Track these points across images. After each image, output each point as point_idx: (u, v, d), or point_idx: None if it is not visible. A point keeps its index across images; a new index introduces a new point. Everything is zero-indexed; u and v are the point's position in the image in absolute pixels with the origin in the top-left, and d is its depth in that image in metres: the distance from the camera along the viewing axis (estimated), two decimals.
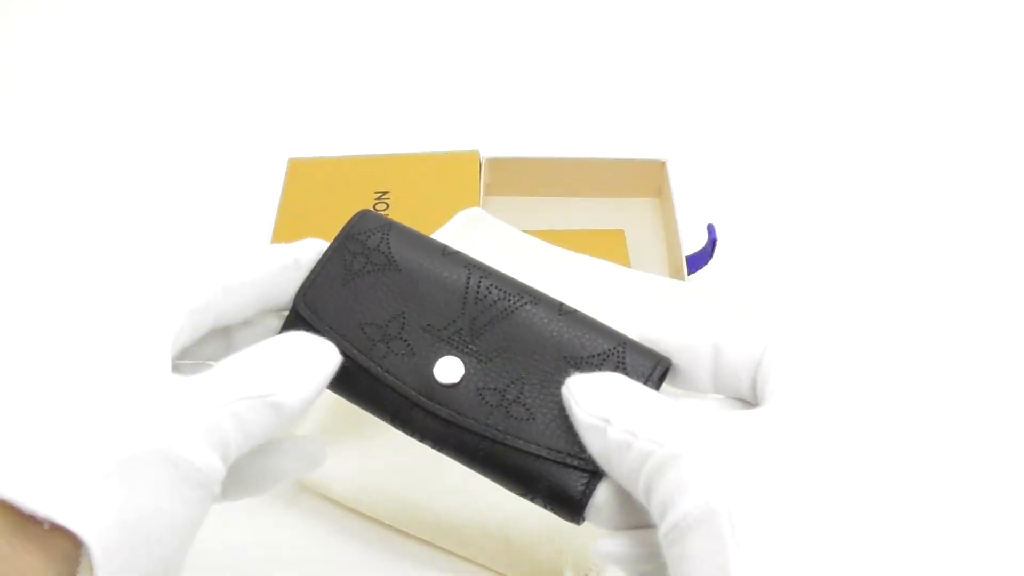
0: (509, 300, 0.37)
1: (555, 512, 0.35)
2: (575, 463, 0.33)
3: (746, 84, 0.79)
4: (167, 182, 0.69)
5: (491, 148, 0.64)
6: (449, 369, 0.35)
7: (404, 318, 0.36)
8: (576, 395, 0.32)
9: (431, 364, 0.35)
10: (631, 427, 0.30)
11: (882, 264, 0.63)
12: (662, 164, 0.62)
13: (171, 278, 0.33)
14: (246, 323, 0.37)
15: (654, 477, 0.29)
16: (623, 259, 0.59)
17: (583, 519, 0.34)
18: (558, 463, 0.34)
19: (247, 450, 0.31)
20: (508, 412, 0.35)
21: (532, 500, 0.35)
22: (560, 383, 0.34)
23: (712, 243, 0.56)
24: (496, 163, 0.63)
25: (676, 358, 0.35)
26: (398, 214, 0.60)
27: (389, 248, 0.38)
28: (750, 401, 0.34)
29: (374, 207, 0.60)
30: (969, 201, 0.68)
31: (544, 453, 0.34)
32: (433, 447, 0.36)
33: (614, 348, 0.35)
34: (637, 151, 0.64)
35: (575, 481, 0.34)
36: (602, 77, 0.79)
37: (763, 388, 0.32)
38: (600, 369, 0.34)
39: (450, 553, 0.45)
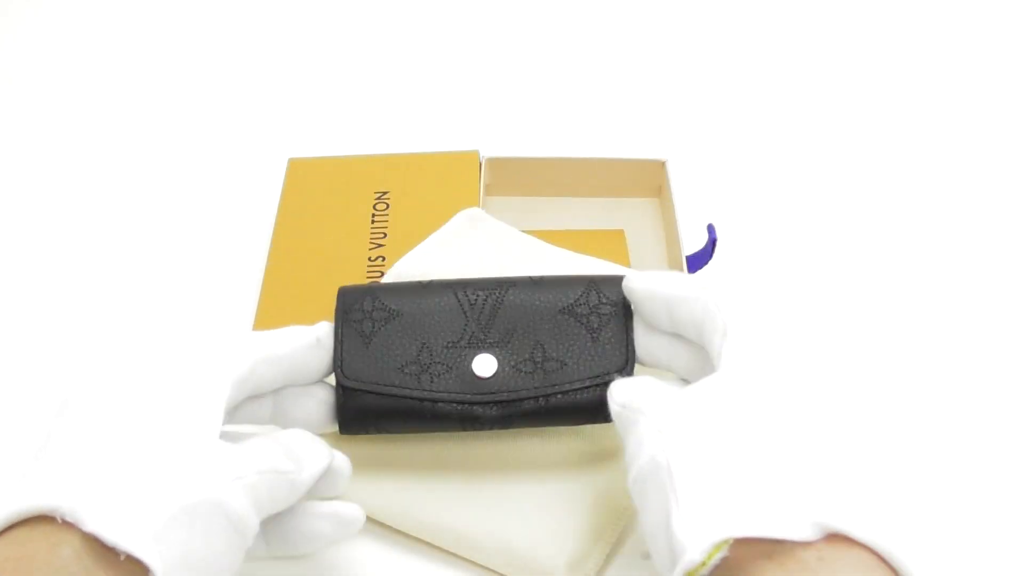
0: (494, 294, 0.44)
1: None
2: (612, 378, 0.41)
3: (746, 84, 0.79)
4: (167, 182, 0.69)
5: (491, 148, 0.64)
6: (484, 364, 0.43)
7: (428, 347, 0.43)
8: (612, 394, 0.40)
9: (468, 368, 0.43)
10: (629, 404, 0.38)
11: (882, 264, 0.63)
12: (662, 164, 0.62)
13: (218, 348, 0.39)
14: (299, 391, 0.43)
15: (630, 432, 0.37)
16: (623, 259, 0.59)
17: None
18: (600, 385, 0.42)
19: (273, 512, 0.37)
20: (545, 370, 0.43)
21: (598, 421, 0.43)
22: (567, 328, 0.43)
23: (712, 243, 0.56)
24: (496, 163, 0.63)
25: (642, 305, 0.43)
26: (398, 214, 0.60)
27: (384, 304, 0.44)
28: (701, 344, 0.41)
29: (374, 207, 0.60)
30: (969, 199, 0.68)
31: (588, 383, 0.42)
32: (502, 429, 0.43)
33: (588, 286, 0.44)
34: (637, 151, 0.64)
35: None
36: (602, 77, 0.79)
37: (709, 348, 0.39)
38: (587, 302, 0.44)
39: (449, 553, 0.45)
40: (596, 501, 0.45)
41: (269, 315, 0.54)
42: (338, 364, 0.42)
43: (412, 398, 0.42)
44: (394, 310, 0.44)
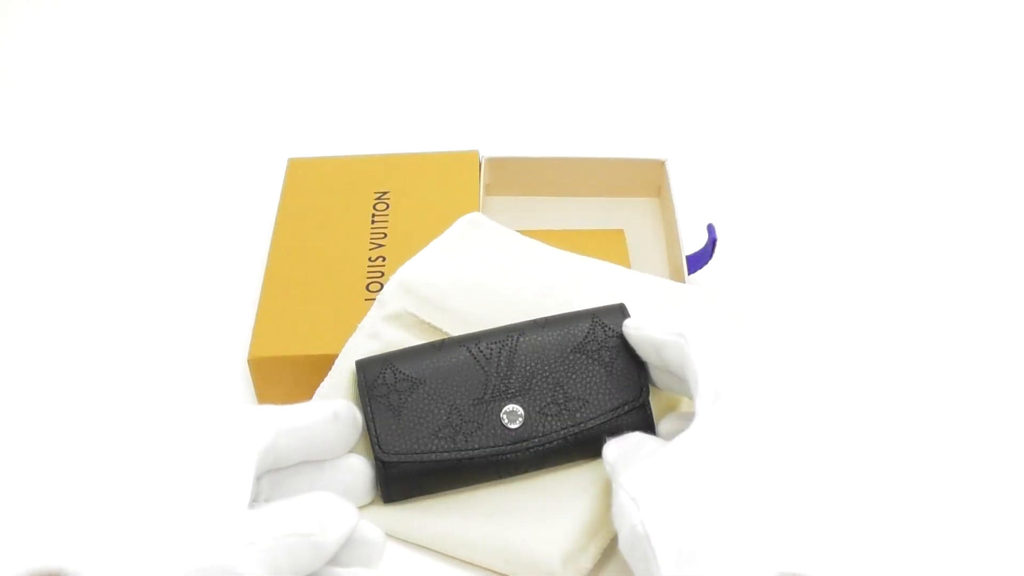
0: (506, 344, 0.46)
1: None
2: (632, 406, 0.45)
3: (746, 84, 0.79)
4: (167, 182, 0.69)
5: (491, 148, 0.64)
6: (512, 416, 0.45)
7: (456, 408, 0.45)
8: (604, 453, 0.43)
9: (498, 421, 0.45)
10: (612, 470, 0.42)
11: (882, 264, 0.63)
12: (662, 164, 0.62)
13: (243, 419, 0.40)
14: (335, 465, 0.44)
15: (613, 499, 0.40)
16: (623, 259, 0.59)
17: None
18: (622, 415, 0.45)
19: None
20: (570, 410, 0.45)
21: None
22: (581, 367, 0.45)
23: (712, 243, 0.56)
24: (496, 163, 0.63)
25: (636, 347, 0.46)
26: (398, 214, 0.60)
27: (405, 374, 0.45)
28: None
29: (374, 207, 0.60)
30: (968, 198, 0.68)
31: (611, 416, 0.45)
32: (536, 469, 0.45)
33: (593, 321, 0.47)
34: (637, 151, 0.64)
35: (641, 415, 0.45)
36: (602, 77, 0.80)
37: (690, 392, 0.42)
38: (595, 338, 0.46)
39: (447, 555, 0.45)
40: (592, 497, 0.45)
41: (269, 315, 0.54)
42: (375, 441, 0.44)
43: (451, 460, 0.44)
44: (416, 379, 0.45)
